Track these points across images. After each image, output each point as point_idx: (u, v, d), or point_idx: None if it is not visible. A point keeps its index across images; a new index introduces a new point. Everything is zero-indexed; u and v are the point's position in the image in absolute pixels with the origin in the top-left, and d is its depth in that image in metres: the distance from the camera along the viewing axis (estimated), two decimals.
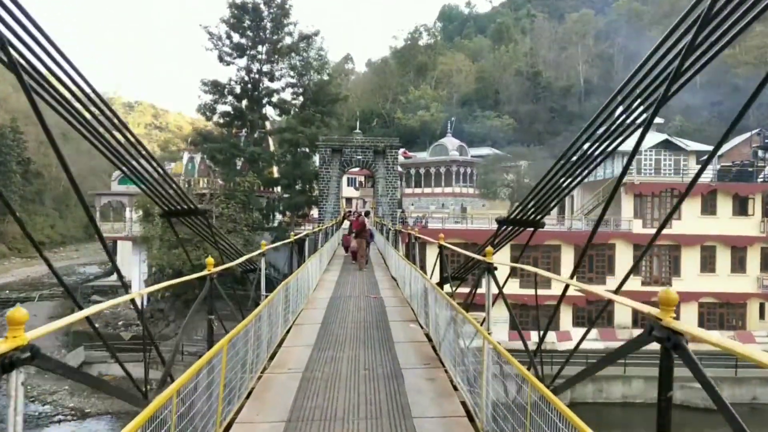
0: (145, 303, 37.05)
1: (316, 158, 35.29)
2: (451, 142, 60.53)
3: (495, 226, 6.56)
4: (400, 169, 40.18)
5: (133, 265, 36.54)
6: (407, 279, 11.20)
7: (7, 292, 51.02)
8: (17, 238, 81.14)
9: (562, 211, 52.02)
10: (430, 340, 7.78)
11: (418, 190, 60.31)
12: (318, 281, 13.67)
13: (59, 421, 26.37)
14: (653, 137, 38.15)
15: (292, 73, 36.36)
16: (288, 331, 8.47)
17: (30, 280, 59.96)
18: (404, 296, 11.60)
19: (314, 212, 38.01)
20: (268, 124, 38.23)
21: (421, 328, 8.47)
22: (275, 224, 37.85)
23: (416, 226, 35.71)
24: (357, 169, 46.42)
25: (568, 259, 34.47)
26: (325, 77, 38.18)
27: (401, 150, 43.24)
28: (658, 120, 42.95)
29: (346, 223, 26.66)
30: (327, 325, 8.85)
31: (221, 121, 35.35)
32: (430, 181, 59.63)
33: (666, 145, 36.74)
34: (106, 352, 30.66)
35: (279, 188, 39.26)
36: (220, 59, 34.90)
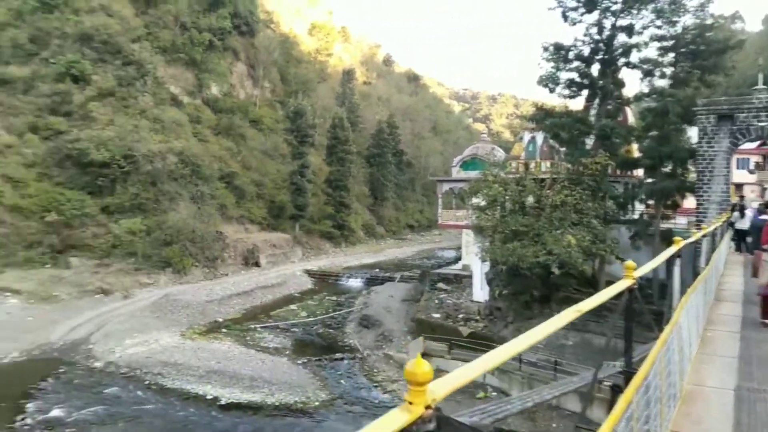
0: (485, 298, 35.04)
1: (692, 131, 26.76)
2: None
3: None
4: None
5: (475, 255, 34.80)
6: None
7: (377, 270, 56.37)
8: (392, 221, 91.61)
9: None
10: None
11: None
12: (697, 344, 7.06)
13: None
14: None
15: (658, 22, 28.30)
16: None
17: (397, 261, 65.89)
18: None
19: (688, 202, 29.38)
20: (624, 92, 31.03)
21: None
22: (634, 216, 30.61)
23: None
24: (753, 145, 34.84)
25: None
26: (708, 21, 28.65)
27: None
28: None
29: (741, 221, 16.89)
30: None
31: (565, 92, 30.02)
32: None
33: None
34: (444, 345, 29.32)
35: (640, 171, 31.73)
36: (564, 18, 29.47)
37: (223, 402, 23.55)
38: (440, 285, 40.61)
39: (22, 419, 21.08)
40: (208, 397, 23.94)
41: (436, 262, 64.39)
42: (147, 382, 25.07)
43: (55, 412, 21.65)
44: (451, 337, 29.67)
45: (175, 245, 44.84)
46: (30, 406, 22.17)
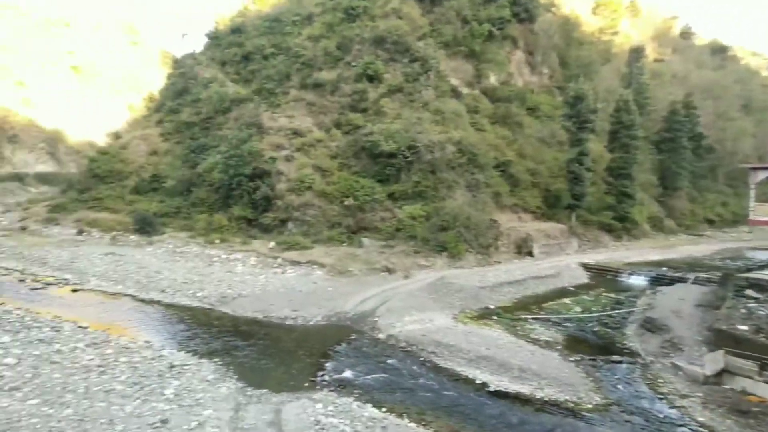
0: None
1: None
2: None
3: None
4: None
5: None
6: None
7: (665, 269, 50.44)
8: (685, 214, 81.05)
9: None
10: None
11: None
12: None
13: None
14: None
15: None
16: None
17: (691, 259, 57.93)
18: None
19: None
20: None
21: None
22: None
23: None
24: None
25: None
26: None
27: None
28: None
29: None
30: None
31: None
32: None
33: None
34: (753, 364, 24.44)
35: None
36: None
37: (491, 389, 23.57)
38: (749, 292, 33.96)
39: (322, 375, 24.35)
40: (477, 381, 24.23)
41: (743, 264, 54.46)
42: (421, 359, 26.62)
43: (347, 374, 24.45)
44: (764, 356, 24.53)
45: (451, 231, 46.83)
46: (328, 365, 25.49)
